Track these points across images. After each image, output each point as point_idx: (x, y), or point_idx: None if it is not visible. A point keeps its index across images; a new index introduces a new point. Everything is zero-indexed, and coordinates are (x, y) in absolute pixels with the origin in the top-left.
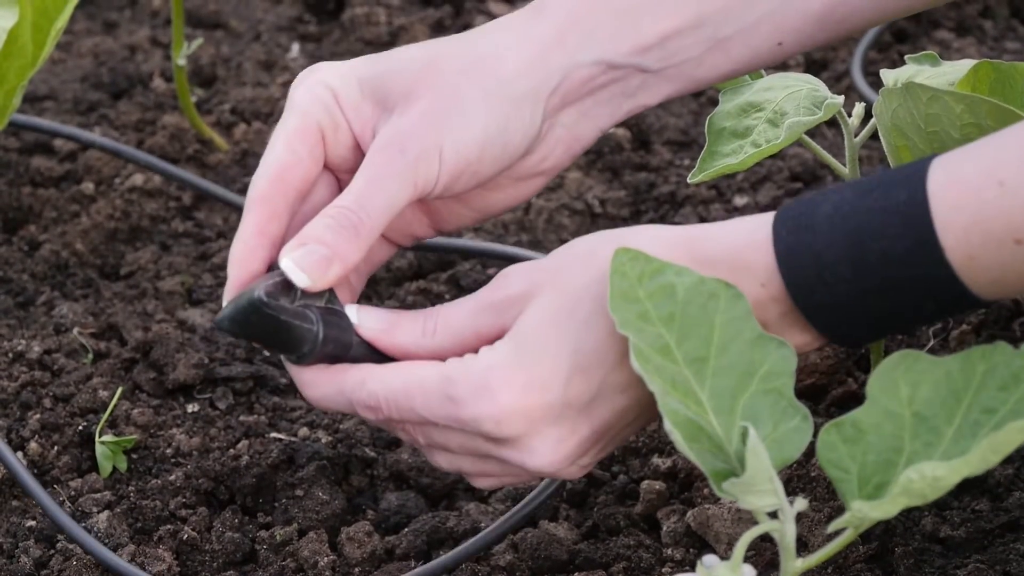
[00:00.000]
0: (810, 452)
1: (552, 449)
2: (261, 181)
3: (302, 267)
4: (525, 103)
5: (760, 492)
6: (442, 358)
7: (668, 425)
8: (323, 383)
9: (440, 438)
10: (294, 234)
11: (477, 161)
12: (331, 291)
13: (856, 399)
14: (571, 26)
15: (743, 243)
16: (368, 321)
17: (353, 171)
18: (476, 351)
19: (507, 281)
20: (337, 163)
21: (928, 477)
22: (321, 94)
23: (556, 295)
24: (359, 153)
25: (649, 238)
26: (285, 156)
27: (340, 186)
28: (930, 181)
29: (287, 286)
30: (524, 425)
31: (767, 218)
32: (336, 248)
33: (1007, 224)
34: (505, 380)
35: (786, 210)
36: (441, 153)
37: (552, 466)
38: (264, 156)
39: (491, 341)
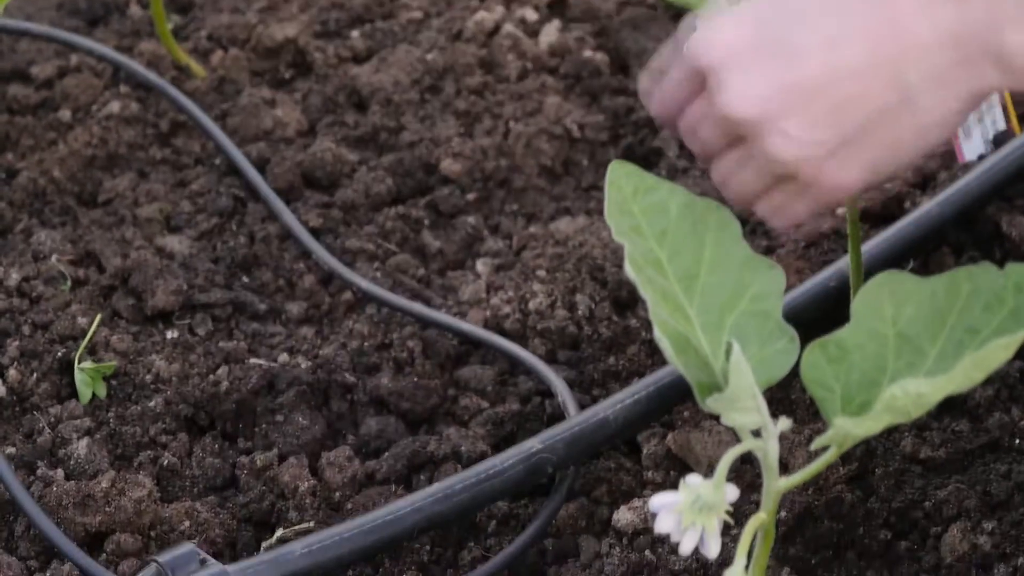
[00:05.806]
0: (791, 375)
1: (740, 84)
2: None
3: None
4: None
5: (744, 409)
6: None
7: (658, 333)
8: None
9: (704, 133)
10: None
11: None
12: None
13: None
14: None
15: None
16: None
17: None
18: None
19: None
20: None
21: (912, 393)
22: None
23: None
24: None
25: None
26: None
27: None
28: None
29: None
30: (721, 51)
31: None
32: None
33: None
34: (718, 23)
35: None
36: None
37: (744, 107)
38: None
39: None
